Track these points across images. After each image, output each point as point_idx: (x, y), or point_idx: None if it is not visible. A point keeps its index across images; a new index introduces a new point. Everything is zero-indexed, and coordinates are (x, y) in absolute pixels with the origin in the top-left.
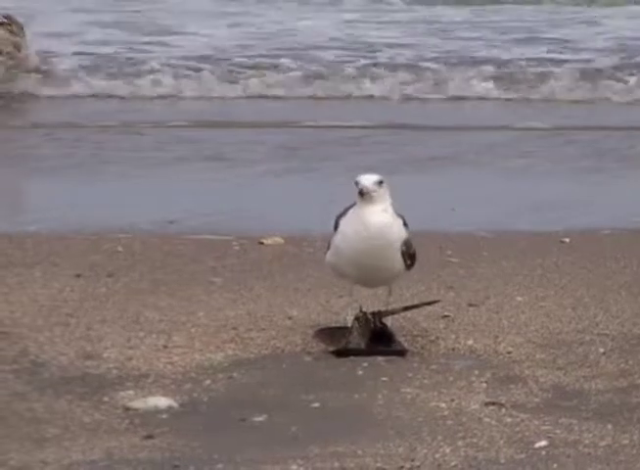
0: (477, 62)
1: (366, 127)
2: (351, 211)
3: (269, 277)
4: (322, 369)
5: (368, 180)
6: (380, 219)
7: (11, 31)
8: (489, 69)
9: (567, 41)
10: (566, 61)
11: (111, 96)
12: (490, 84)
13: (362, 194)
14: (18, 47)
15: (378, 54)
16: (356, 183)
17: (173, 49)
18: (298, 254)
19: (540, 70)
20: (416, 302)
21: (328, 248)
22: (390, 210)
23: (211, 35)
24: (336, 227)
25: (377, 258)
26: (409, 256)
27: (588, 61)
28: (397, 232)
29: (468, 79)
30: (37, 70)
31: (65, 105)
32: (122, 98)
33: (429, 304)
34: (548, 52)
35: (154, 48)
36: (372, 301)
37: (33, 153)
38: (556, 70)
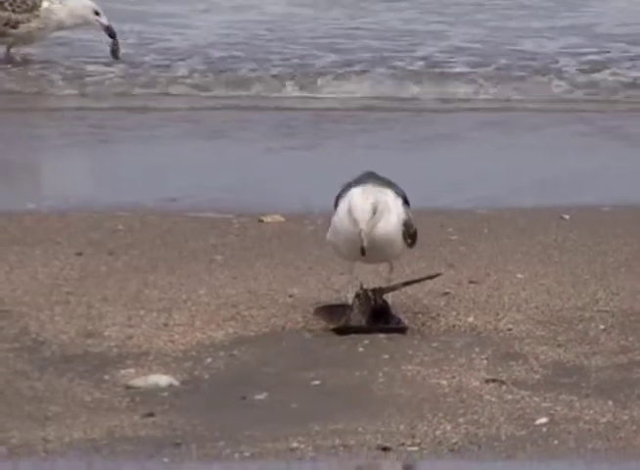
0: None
1: (367, 108)
2: (349, 193)
3: (269, 255)
4: (322, 347)
5: (362, 216)
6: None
7: (3, 8)
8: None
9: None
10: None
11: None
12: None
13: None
14: (10, 23)
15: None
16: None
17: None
18: (299, 231)
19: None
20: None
21: (329, 225)
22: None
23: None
24: (336, 206)
25: (374, 242)
26: (409, 235)
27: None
28: (395, 218)
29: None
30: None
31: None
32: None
33: (430, 278)
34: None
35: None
36: (373, 278)
37: (34, 131)
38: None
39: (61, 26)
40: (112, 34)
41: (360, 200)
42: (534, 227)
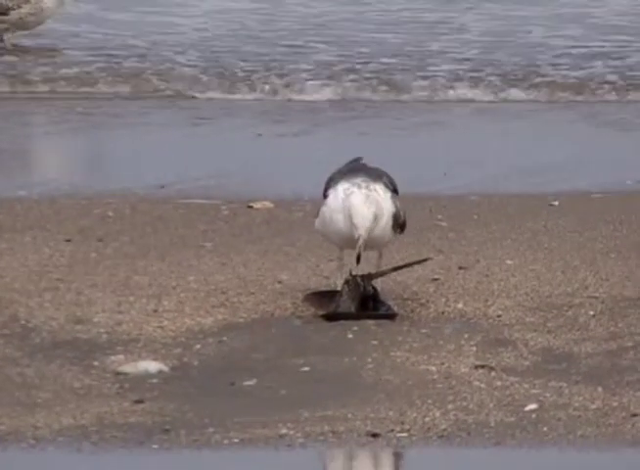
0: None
1: (358, 97)
2: (340, 188)
3: (259, 241)
4: (312, 333)
5: (363, 224)
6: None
7: None
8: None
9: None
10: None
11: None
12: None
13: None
14: (2, 11)
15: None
16: (355, 227)
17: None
18: (288, 218)
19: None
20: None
21: (317, 214)
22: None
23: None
24: (325, 195)
25: (368, 242)
26: (399, 225)
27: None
28: (386, 218)
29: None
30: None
31: (52, 71)
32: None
33: (419, 262)
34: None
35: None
36: (362, 264)
37: (24, 118)
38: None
39: (60, 5)
40: None
41: (363, 208)
42: (524, 214)
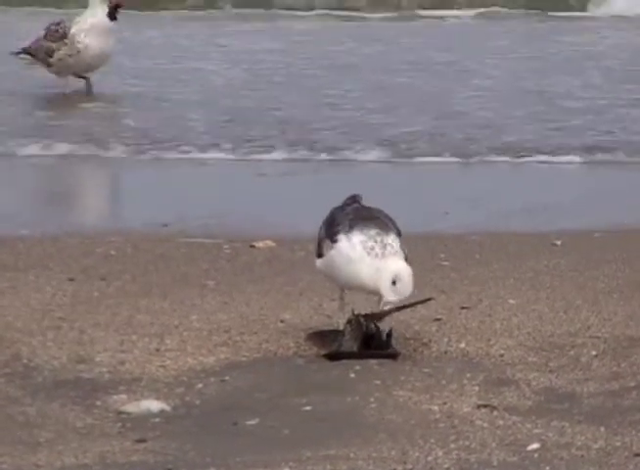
0: None
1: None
2: (356, 240)
3: (261, 280)
4: (314, 372)
5: (408, 292)
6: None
7: (45, 38)
8: None
9: None
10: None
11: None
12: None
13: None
14: (49, 53)
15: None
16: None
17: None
18: (290, 257)
19: None
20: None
21: (317, 250)
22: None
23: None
24: (334, 239)
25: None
26: None
27: None
28: None
29: None
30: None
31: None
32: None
33: (421, 302)
34: None
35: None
36: (363, 303)
37: (25, 159)
38: None
39: (94, 50)
40: None
41: (411, 278)
42: (526, 253)
